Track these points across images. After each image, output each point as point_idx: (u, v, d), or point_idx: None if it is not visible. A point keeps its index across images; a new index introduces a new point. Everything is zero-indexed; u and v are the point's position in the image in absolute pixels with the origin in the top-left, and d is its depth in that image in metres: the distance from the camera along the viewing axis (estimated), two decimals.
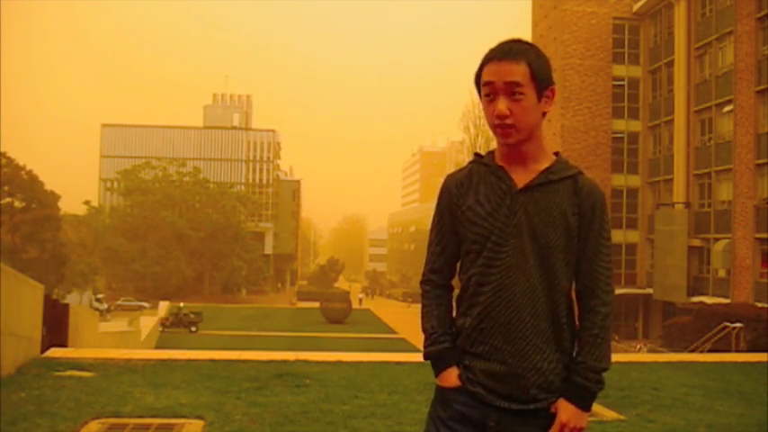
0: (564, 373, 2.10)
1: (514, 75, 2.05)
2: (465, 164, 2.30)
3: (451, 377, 2.14)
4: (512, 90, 2.05)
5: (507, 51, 2.08)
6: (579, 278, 2.14)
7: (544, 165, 2.13)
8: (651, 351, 30.05)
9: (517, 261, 2.07)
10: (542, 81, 2.09)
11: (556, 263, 2.08)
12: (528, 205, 2.08)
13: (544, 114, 2.16)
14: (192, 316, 46.54)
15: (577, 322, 2.17)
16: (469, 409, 2.10)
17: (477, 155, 2.25)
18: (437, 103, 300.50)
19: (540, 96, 2.10)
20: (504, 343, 2.07)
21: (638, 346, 30.67)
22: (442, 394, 2.17)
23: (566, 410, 2.05)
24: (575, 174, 2.14)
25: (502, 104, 2.05)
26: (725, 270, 34.75)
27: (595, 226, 2.11)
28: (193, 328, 44.74)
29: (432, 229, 2.28)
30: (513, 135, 2.08)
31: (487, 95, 2.09)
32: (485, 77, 2.09)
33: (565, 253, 2.09)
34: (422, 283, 2.31)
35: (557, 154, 2.19)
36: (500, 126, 2.07)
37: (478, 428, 2.09)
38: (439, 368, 2.19)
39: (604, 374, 2.11)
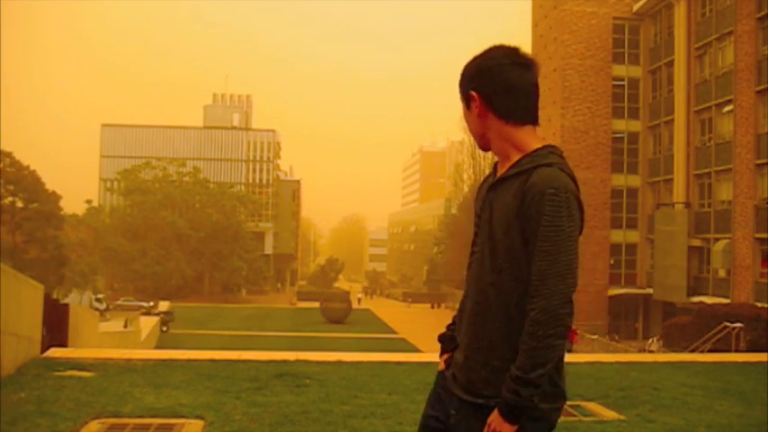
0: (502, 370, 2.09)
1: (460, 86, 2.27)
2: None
3: (441, 361, 2.35)
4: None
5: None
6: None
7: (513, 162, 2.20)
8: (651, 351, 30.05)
9: (480, 258, 2.17)
10: (463, 92, 2.24)
11: (502, 262, 2.08)
12: (493, 202, 2.15)
13: (497, 118, 2.16)
14: (162, 316, 46.36)
15: None
16: (444, 393, 2.25)
17: None
18: (437, 103, 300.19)
19: (467, 105, 2.21)
20: (465, 336, 2.19)
21: (651, 340, 30.31)
22: (436, 376, 2.36)
23: (494, 413, 2.00)
24: (530, 168, 2.07)
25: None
26: (725, 270, 34.76)
27: (533, 221, 2.01)
28: (164, 328, 44.30)
29: None
30: (475, 140, 2.30)
31: None
32: None
33: (510, 252, 2.06)
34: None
35: (542, 147, 2.14)
36: None
37: (446, 413, 2.21)
38: (440, 352, 2.39)
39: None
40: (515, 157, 2.15)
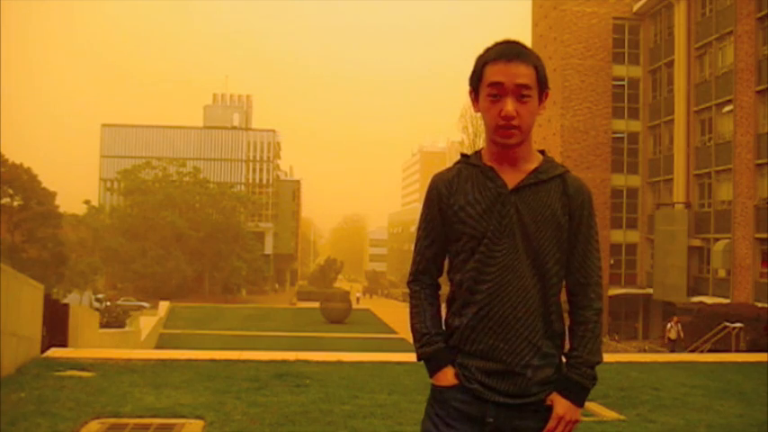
0: (558, 367, 2.15)
1: (525, 77, 2.07)
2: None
3: (447, 376, 2.17)
4: (520, 92, 2.06)
5: (517, 53, 2.08)
6: (571, 275, 2.19)
7: (533, 165, 2.16)
8: (651, 351, 30.00)
9: (511, 260, 2.10)
10: (544, 85, 2.12)
11: (548, 261, 2.12)
12: (519, 205, 2.11)
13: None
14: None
15: (566, 317, 2.21)
16: (467, 407, 2.12)
17: (463, 155, 2.27)
18: (437, 104, 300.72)
19: (540, 100, 2.12)
20: (500, 341, 2.10)
21: (669, 325, 28.33)
22: (439, 393, 2.18)
23: (561, 405, 2.10)
24: (563, 173, 2.17)
25: (510, 105, 2.06)
26: (725, 270, 34.75)
27: (584, 223, 2.17)
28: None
29: (419, 229, 2.29)
30: (516, 136, 2.09)
31: (493, 95, 2.09)
32: (491, 77, 2.08)
33: (556, 251, 2.13)
34: (410, 283, 2.33)
35: (542, 152, 2.21)
36: (505, 127, 2.08)
37: (477, 425, 2.12)
38: (434, 368, 2.20)
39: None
40: (532, 159, 2.16)
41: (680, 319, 28.60)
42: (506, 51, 2.09)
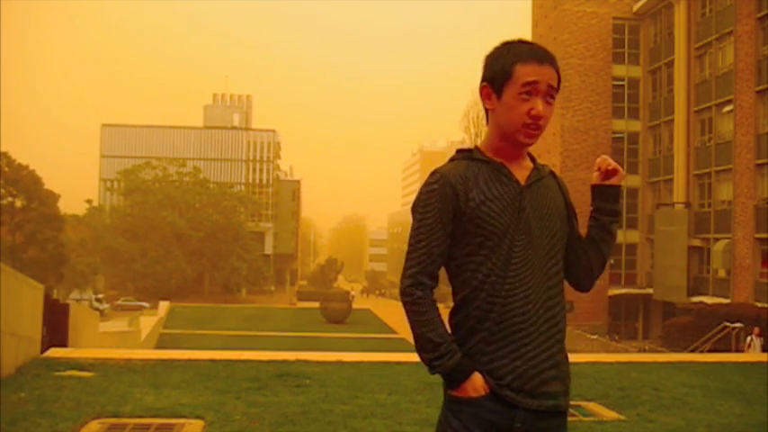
0: (565, 363, 2.15)
1: (554, 79, 2.14)
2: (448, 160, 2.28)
3: (476, 385, 2.03)
4: (549, 93, 2.12)
5: (546, 55, 2.16)
6: (579, 252, 2.24)
7: (528, 161, 2.21)
8: (651, 351, 29.96)
9: (529, 257, 2.07)
10: (559, 87, 2.20)
11: (559, 254, 2.15)
12: (532, 201, 2.11)
13: None
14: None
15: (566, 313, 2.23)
16: (498, 416, 2.02)
17: (463, 151, 2.21)
18: (437, 104, 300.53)
19: (553, 99, 2.18)
20: (524, 339, 2.03)
21: (749, 339, 22.99)
22: (467, 406, 2.03)
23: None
24: (550, 169, 2.27)
25: (541, 105, 2.09)
26: (725, 270, 34.75)
27: (576, 215, 2.26)
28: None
29: (423, 229, 2.13)
30: (537, 136, 2.13)
31: (525, 93, 2.07)
32: (527, 76, 2.08)
33: (563, 245, 2.18)
34: (411, 287, 2.13)
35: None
36: (532, 126, 2.08)
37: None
38: (460, 380, 2.04)
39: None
40: (527, 156, 2.21)
41: (761, 332, 23.46)
42: (538, 53, 2.13)
